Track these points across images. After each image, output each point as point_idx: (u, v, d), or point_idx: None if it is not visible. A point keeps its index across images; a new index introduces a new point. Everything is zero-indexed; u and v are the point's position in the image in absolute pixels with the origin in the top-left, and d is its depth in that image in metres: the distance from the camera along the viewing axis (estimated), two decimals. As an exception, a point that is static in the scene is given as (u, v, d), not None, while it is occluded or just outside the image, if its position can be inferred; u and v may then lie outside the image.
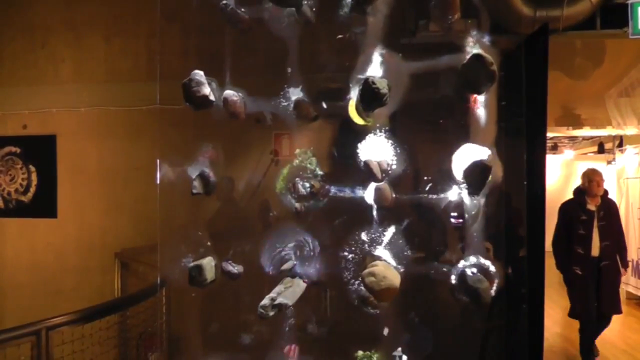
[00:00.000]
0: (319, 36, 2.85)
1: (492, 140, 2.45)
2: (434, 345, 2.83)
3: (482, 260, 2.43)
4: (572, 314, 4.89)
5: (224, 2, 2.67)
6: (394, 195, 2.54)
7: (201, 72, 2.55)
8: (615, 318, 4.99)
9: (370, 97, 2.27)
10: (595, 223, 4.70)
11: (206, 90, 2.53)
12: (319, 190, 2.72)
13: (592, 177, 4.80)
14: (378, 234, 2.56)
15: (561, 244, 4.83)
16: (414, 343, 2.76)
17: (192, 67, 2.57)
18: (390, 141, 2.49)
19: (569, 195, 5.15)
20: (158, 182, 2.86)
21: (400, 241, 2.55)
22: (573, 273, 4.67)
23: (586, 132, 8.25)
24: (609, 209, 4.83)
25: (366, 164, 2.39)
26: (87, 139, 5.65)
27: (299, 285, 2.64)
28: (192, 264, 2.64)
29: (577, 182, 5.11)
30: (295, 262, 2.71)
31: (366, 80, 2.25)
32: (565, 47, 4.77)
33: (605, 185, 4.96)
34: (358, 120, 2.55)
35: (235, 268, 2.75)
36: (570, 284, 4.84)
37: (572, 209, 4.86)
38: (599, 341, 5.02)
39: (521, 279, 2.80)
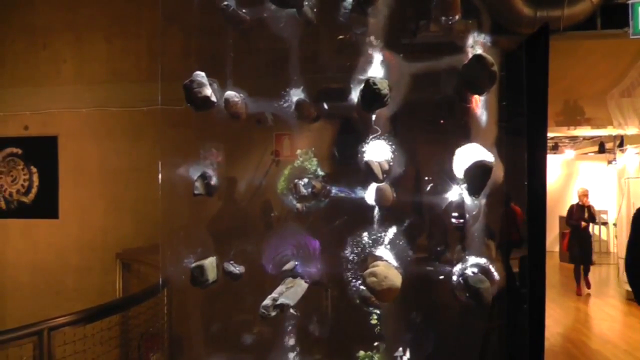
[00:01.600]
0: (320, 37, 2.85)
1: (493, 140, 2.45)
2: (435, 345, 2.83)
3: (483, 260, 2.44)
4: None
5: (225, 2, 2.68)
6: (394, 196, 2.54)
7: (203, 73, 2.56)
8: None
9: (371, 98, 2.27)
10: None
11: (208, 91, 2.54)
12: (320, 191, 2.72)
13: None
14: (379, 234, 2.57)
15: (637, 267, 3.33)
16: (415, 343, 2.77)
17: (193, 68, 2.58)
18: (391, 142, 2.50)
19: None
20: (160, 182, 2.87)
21: (402, 241, 2.55)
22: None
23: (587, 131, 8.27)
24: None
25: (367, 164, 2.39)
26: (88, 139, 5.66)
27: (301, 286, 2.64)
28: (194, 264, 2.65)
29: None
30: (296, 262, 2.71)
31: (367, 80, 2.26)
32: (566, 47, 4.77)
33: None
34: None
35: (237, 268, 2.76)
36: None
37: None
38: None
39: (522, 278, 2.80)
